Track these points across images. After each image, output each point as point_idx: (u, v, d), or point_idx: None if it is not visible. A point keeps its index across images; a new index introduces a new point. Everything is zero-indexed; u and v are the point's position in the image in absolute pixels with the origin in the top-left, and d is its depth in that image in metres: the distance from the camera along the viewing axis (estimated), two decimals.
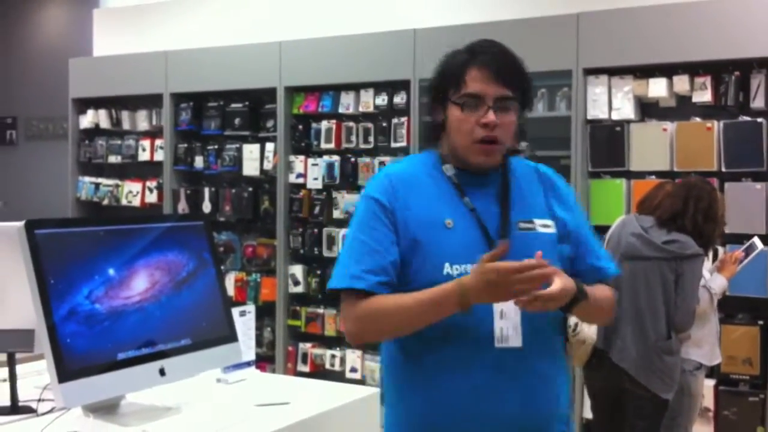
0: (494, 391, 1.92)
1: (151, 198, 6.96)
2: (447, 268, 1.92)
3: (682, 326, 3.62)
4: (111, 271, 2.35)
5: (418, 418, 1.98)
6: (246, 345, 2.84)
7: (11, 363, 2.50)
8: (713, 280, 3.90)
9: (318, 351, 6.18)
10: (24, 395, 2.49)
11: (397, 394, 2.05)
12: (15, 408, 2.44)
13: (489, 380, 1.92)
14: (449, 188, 2.01)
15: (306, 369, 6.16)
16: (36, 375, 2.71)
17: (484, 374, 1.92)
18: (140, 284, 2.42)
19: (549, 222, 1.99)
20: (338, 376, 5.91)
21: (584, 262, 2.02)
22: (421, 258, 1.94)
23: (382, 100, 5.91)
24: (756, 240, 3.96)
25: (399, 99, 5.85)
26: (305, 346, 6.24)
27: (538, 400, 1.97)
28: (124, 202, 7.09)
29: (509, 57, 1.98)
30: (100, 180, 7.27)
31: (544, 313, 1.87)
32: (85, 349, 2.23)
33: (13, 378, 2.48)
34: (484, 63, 1.95)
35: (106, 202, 7.18)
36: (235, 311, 2.80)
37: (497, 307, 1.91)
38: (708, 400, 4.79)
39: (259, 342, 6.32)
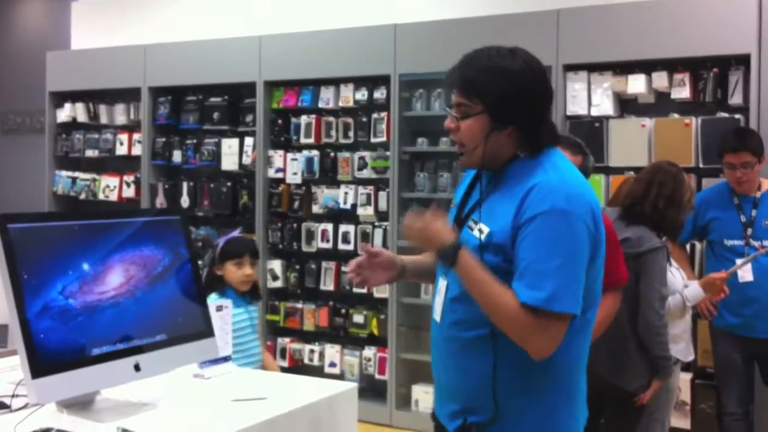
0: (431, 354, 2.29)
1: (129, 192, 6.92)
2: None
3: (645, 321, 3.51)
4: (85, 266, 2.33)
5: None
6: (223, 340, 2.83)
7: None
8: (691, 290, 3.83)
9: (297, 346, 6.17)
10: None
11: None
12: None
13: (433, 345, 2.27)
14: (471, 178, 2.27)
15: (285, 364, 6.14)
16: (10, 371, 2.68)
17: (432, 339, 2.27)
18: (115, 279, 2.40)
19: (486, 228, 2.07)
20: (317, 371, 5.90)
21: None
22: None
23: (362, 95, 5.90)
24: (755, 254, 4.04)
25: (379, 94, 5.84)
26: (284, 341, 6.22)
27: (443, 377, 2.22)
28: (101, 196, 7.05)
29: (476, 69, 2.10)
30: (77, 174, 7.22)
31: (464, 308, 2.09)
32: (59, 344, 2.21)
33: None
34: (451, 74, 2.15)
35: (83, 196, 7.14)
36: (212, 306, 2.78)
37: (439, 283, 2.21)
38: (685, 394, 4.82)
39: None
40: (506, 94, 2.07)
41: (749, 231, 4.25)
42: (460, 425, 2.12)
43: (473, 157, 2.13)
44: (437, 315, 2.20)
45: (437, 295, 2.20)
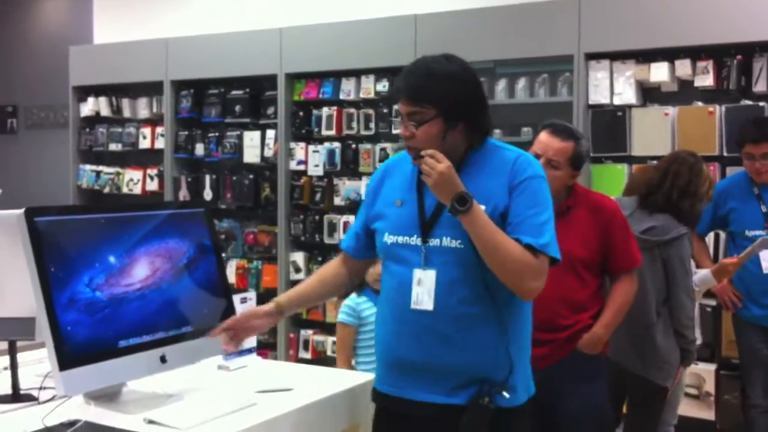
0: (408, 342, 2.34)
1: (152, 186, 6.96)
2: (386, 237, 2.41)
3: (683, 307, 3.54)
4: (111, 259, 2.35)
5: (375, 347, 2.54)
6: None
7: (12, 351, 2.51)
8: (699, 276, 3.81)
9: (319, 338, 6.18)
10: (25, 383, 2.49)
11: None
12: (16, 396, 2.44)
13: (406, 334, 2.34)
14: (414, 174, 2.41)
15: (307, 356, 6.17)
16: (37, 363, 2.71)
17: (403, 328, 2.35)
18: (141, 272, 2.42)
19: (482, 206, 2.27)
20: None
21: (510, 232, 2.27)
22: (377, 227, 2.47)
23: (383, 86, 5.89)
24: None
25: None
26: (307, 333, 6.24)
27: (443, 357, 2.30)
28: (125, 190, 7.09)
29: (421, 77, 2.30)
30: (100, 168, 7.27)
31: (468, 285, 2.28)
32: (86, 336, 2.24)
33: (14, 366, 2.49)
34: (399, 86, 2.34)
35: (107, 190, 7.18)
36: (236, 298, 2.80)
37: (416, 275, 2.32)
38: (709, 385, 4.80)
39: None
40: (454, 96, 2.29)
41: None
42: (476, 392, 2.28)
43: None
44: (425, 304, 2.30)
45: (417, 286, 2.31)
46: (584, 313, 3.16)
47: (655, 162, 4.25)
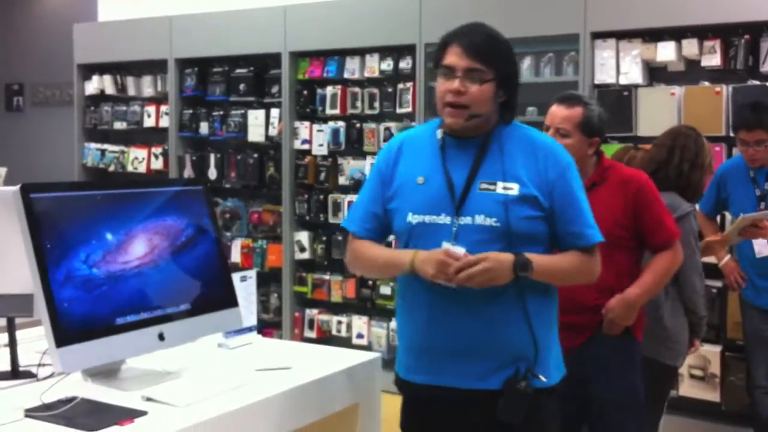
0: (438, 326, 2.30)
1: (157, 164, 6.95)
2: (409, 217, 2.32)
3: (692, 286, 3.52)
4: (108, 236, 2.34)
5: (399, 337, 2.47)
6: (247, 310, 2.84)
7: (11, 328, 2.51)
8: None
9: (324, 317, 6.19)
10: (24, 360, 2.49)
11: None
12: (15, 373, 2.44)
13: (435, 317, 2.29)
14: (435, 150, 2.36)
15: (313, 335, 6.17)
16: (36, 340, 2.71)
17: (432, 312, 2.29)
18: (138, 249, 2.41)
19: (512, 185, 2.27)
20: (345, 342, 5.92)
21: (561, 228, 2.32)
22: (396, 206, 2.36)
23: (387, 65, 5.86)
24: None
25: (405, 64, 5.79)
26: (312, 313, 6.24)
27: (472, 336, 2.26)
28: (130, 168, 7.09)
29: (485, 37, 2.30)
30: (105, 146, 7.26)
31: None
32: (83, 313, 2.23)
33: (13, 343, 2.49)
34: (458, 40, 2.29)
35: (112, 168, 7.18)
36: (236, 276, 2.79)
37: (444, 247, 2.22)
38: (714, 366, 4.78)
39: (266, 308, 6.33)
40: (511, 64, 2.33)
41: (762, 204, 4.18)
42: (512, 375, 2.24)
43: (477, 120, 2.29)
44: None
45: None
46: (612, 295, 3.00)
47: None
